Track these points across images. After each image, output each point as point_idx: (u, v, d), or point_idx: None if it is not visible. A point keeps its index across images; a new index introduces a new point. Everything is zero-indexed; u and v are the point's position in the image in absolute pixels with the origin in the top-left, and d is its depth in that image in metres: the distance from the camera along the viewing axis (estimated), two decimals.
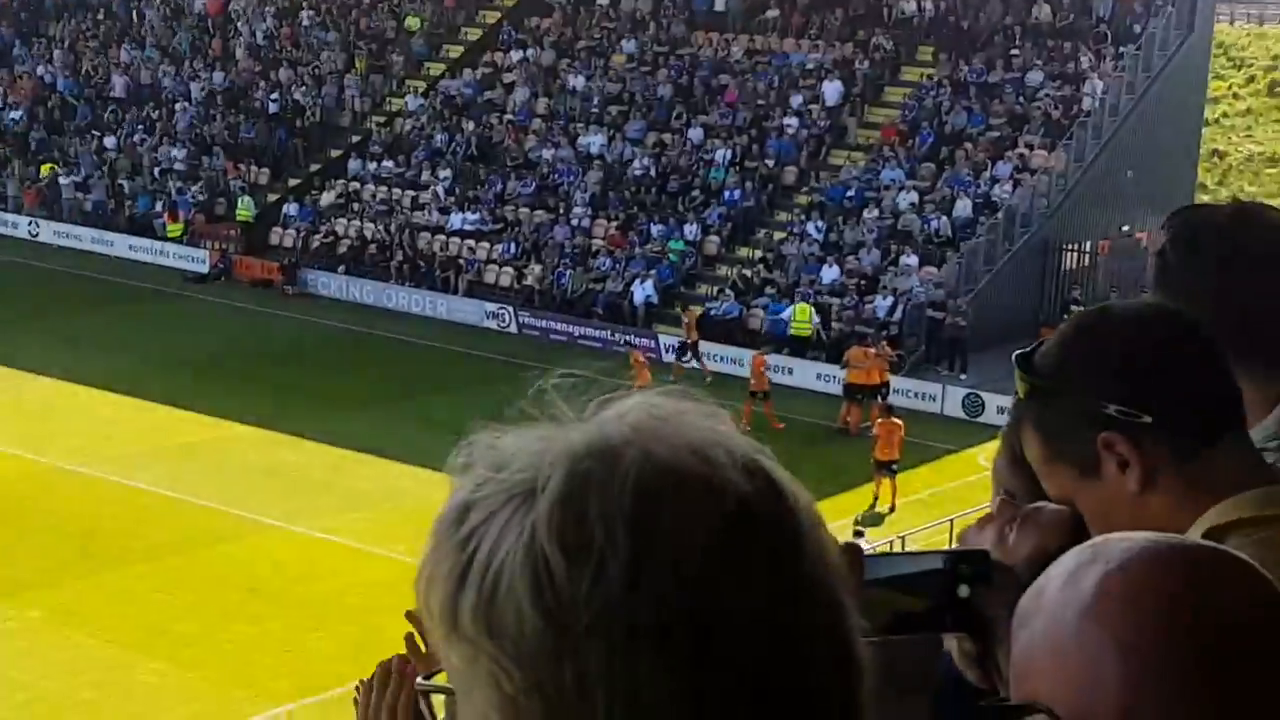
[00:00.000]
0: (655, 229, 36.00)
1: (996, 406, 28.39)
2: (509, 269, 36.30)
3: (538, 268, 35.85)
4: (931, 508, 23.46)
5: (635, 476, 0.96)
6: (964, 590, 1.60)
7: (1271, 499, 1.70)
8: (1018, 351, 1.84)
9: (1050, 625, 1.13)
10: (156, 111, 44.58)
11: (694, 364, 30.58)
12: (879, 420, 25.28)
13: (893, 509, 24.27)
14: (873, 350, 28.98)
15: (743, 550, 0.97)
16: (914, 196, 35.04)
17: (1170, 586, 1.11)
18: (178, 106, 44.39)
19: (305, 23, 46.21)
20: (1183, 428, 1.74)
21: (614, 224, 36.49)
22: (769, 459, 1.02)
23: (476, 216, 37.91)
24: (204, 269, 38.70)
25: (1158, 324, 1.79)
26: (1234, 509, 1.69)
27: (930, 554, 1.67)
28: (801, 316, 31.73)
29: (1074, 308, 31.93)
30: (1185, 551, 1.16)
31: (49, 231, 41.46)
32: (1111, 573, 1.12)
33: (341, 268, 37.72)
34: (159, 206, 40.97)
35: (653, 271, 34.55)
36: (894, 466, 24.45)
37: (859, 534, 20.50)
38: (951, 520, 19.78)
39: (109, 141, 44.04)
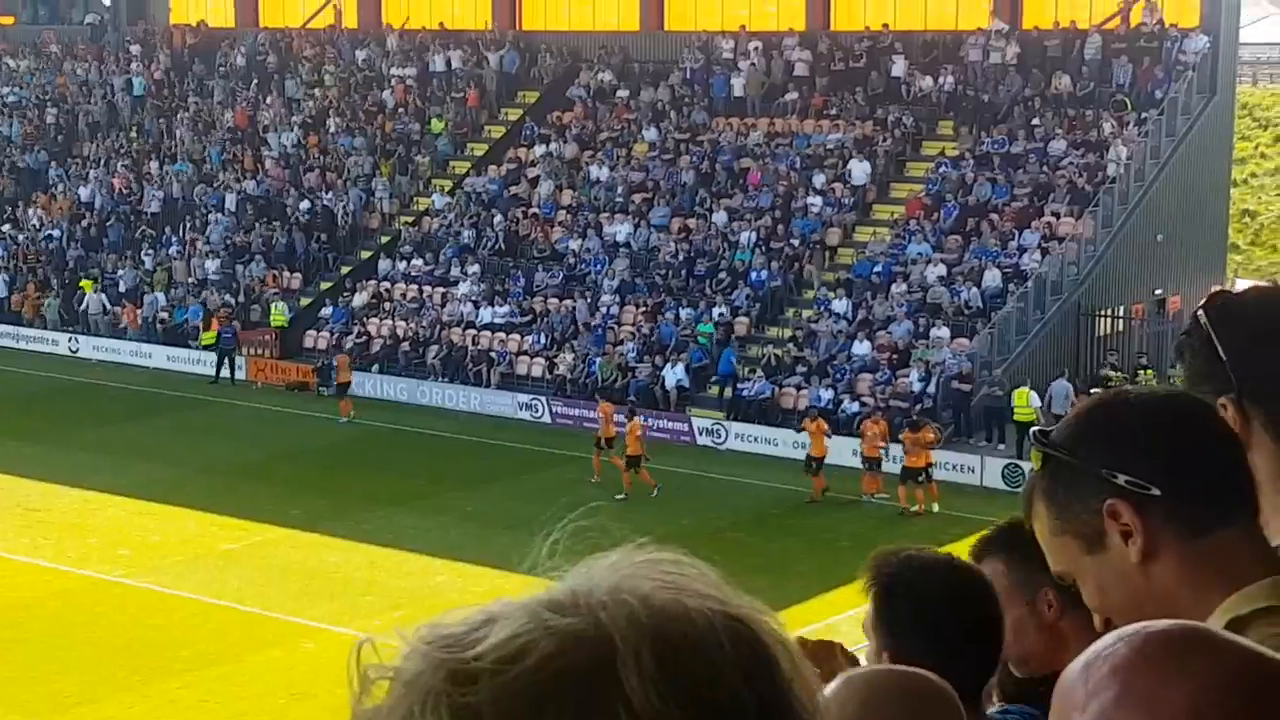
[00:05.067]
0: (684, 312, 36.09)
1: None
2: (540, 359, 36.40)
3: (569, 357, 35.94)
4: None
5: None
6: None
7: None
8: (1036, 428, 1.91)
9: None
10: (190, 223, 45.12)
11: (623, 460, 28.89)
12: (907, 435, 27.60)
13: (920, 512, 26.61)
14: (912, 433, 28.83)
15: None
16: (942, 269, 35.02)
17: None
18: (211, 218, 44.92)
19: (332, 130, 46.81)
20: (1190, 503, 1.76)
21: (642, 310, 36.59)
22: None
23: (506, 309, 38.09)
24: (240, 375, 38.92)
25: (1174, 404, 1.84)
26: (1253, 598, 1.69)
27: None
28: (1022, 401, 30.36)
29: (1110, 373, 31.93)
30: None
31: (88, 347, 41.85)
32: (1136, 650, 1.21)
33: (375, 366, 37.90)
34: (195, 317, 41.32)
35: (683, 355, 34.57)
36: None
37: None
38: None
39: (145, 256, 44.55)
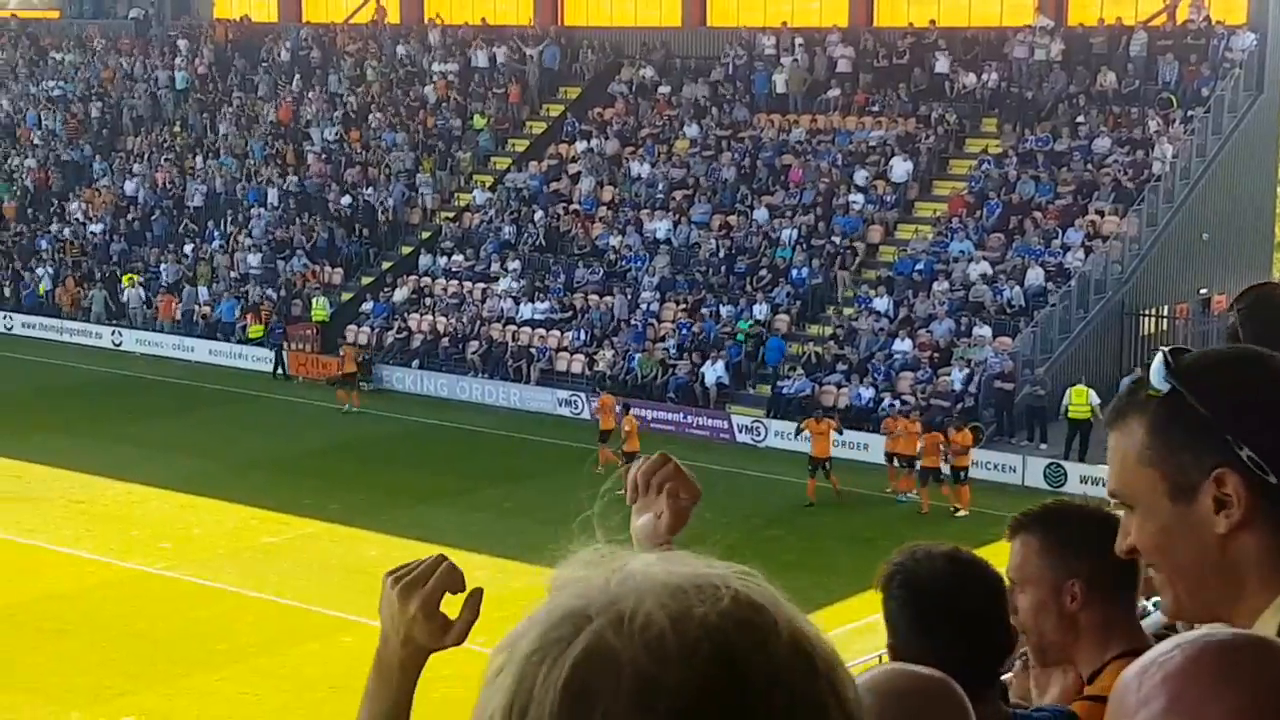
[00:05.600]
0: (724, 310, 36.06)
1: (1079, 475, 28.04)
2: (580, 356, 36.44)
3: (608, 354, 35.97)
4: None
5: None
6: None
7: None
8: (1173, 347, 1.79)
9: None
10: (233, 218, 45.42)
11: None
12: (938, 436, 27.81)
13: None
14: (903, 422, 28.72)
15: None
16: (984, 267, 34.85)
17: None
18: (253, 212, 45.19)
19: (373, 125, 47.01)
20: None
21: (682, 307, 36.59)
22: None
23: (546, 306, 38.15)
24: (283, 369, 39.18)
25: None
26: None
27: None
28: (1079, 399, 29.95)
29: None
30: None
31: (131, 340, 42.20)
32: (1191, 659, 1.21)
33: (415, 362, 38.05)
34: (238, 311, 41.62)
35: (723, 352, 34.55)
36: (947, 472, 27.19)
37: None
38: None
39: (187, 250, 44.87)
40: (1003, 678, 2.94)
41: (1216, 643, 1.21)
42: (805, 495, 27.63)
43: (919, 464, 27.84)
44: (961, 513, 26.96)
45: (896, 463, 28.44)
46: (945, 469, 27.80)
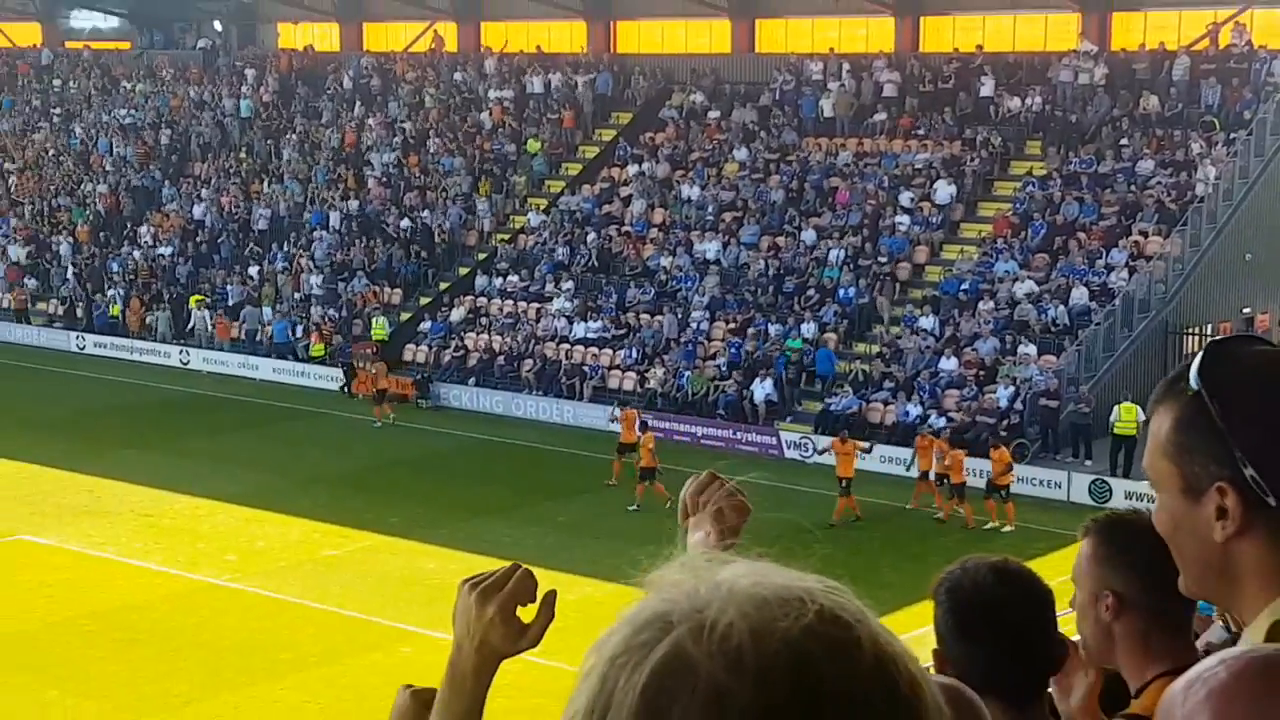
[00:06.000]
0: (773, 329, 36.02)
1: (1124, 491, 27.79)
2: (631, 374, 36.50)
3: (659, 371, 36.00)
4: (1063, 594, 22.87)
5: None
6: None
7: None
8: (1218, 348, 1.74)
9: None
10: (296, 240, 45.80)
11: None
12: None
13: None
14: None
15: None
16: (1029, 286, 34.66)
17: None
18: (315, 235, 45.55)
19: (431, 150, 47.30)
20: None
21: (732, 326, 36.59)
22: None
23: (599, 325, 38.24)
24: (344, 386, 39.42)
25: None
26: None
27: None
28: (1128, 416, 29.45)
29: None
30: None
31: (198, 359, 42.60)
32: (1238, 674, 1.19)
33: (472, 380, 38.21)
34: (300, 330, 41.93)
35: (771, 370, 34.50)
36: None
37: None
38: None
39: (252, 272, 45.28)
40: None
41: (1261, 659, 1.19)
42: (849, 510, 27.52)
43: (948, 480, 27.69)
44: (1008, 528, 26.77)
45: (934, 479, 28.29)
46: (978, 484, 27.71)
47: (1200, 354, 1.72)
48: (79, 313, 46.39)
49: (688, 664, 1.08)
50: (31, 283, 48.43)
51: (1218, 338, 1.75)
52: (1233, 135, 36.69)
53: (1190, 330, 34.41)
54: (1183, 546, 1.75)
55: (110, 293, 46.26)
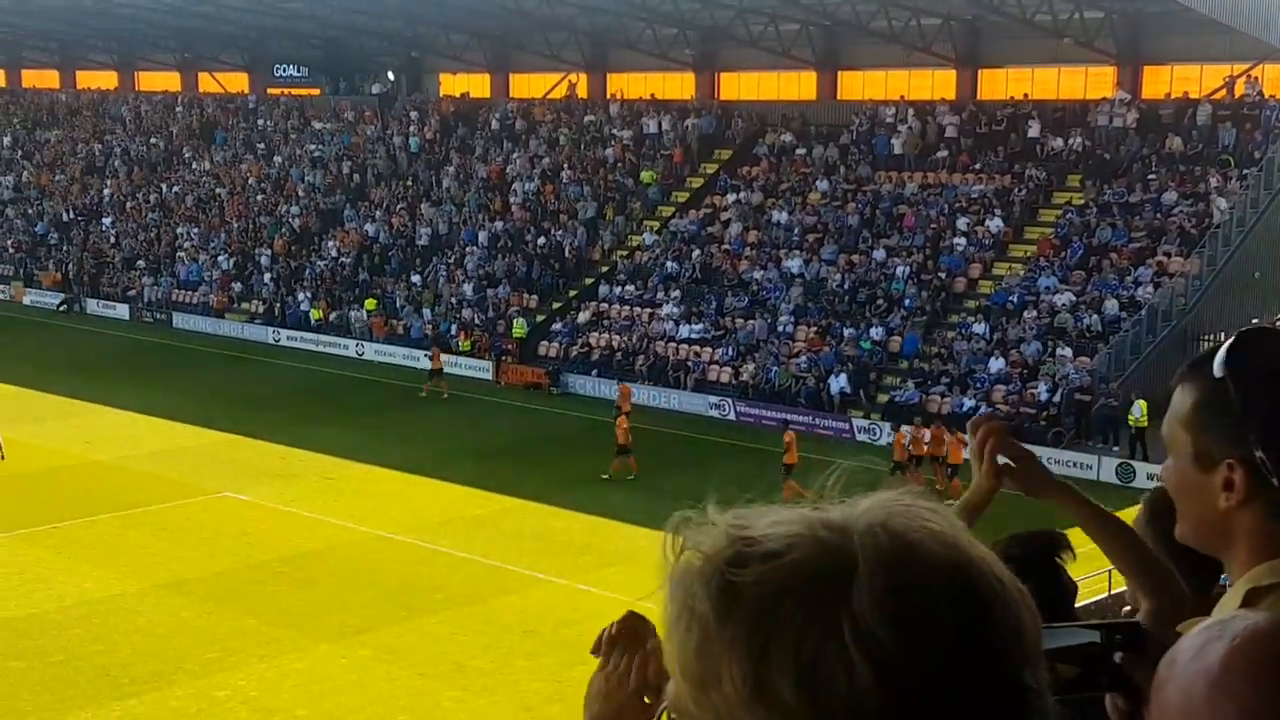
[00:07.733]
0: (847, 332, 35.78)
1: (1146, 474, 27.23)
2: (727, 368, 36.46)
3: (751, 367, 35.93)
4: (1086, 563, 22.49)
5: (937, 564, 0.98)
6: (1118, 657, 1.57)
7: None
8: (1245, 339, 1.61)
9: (1182, 694, 1.07)
10: (452, 255, 46.34)
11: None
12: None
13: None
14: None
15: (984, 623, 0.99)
16: (1068, 298, 34.08)
17: None
18: (467, 250, 46.06)
19: (564, 180, 47.59)
20: None
21: (813, 329, 36.40)
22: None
23: (701, 327, 38.25)
24: (487, 377, 39.78)
25: None
26: (1276, 571, 1.57)
27: (1087, 627, 1.59)
28: (1143, 411, 28.84)
29: None
30: None
31: (371, 351, 43.28)
32: (1237, 649, 1.05)
33: (594, 371, 38.41)
34: (454, 328, 42.44)
35: (846, 367, 34.27)
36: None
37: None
38: (1109, 572, 18.92)
39: (415, 279, 45.90)
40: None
41: (1268, 630, 1.07)
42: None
43: (945, 459, 26.91)
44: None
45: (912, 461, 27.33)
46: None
47: (1229, 342, 1.61)
48: (276, 311, 47.37)
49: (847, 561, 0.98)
50: (237, 286, 49.58)
51: (1246, 328, 1.64)
52: (1245, 171, 35.77)
53: (1206, 337, 33.59)
54: (1186, 504, 1.67)
55: (301, 295, 47.17)
